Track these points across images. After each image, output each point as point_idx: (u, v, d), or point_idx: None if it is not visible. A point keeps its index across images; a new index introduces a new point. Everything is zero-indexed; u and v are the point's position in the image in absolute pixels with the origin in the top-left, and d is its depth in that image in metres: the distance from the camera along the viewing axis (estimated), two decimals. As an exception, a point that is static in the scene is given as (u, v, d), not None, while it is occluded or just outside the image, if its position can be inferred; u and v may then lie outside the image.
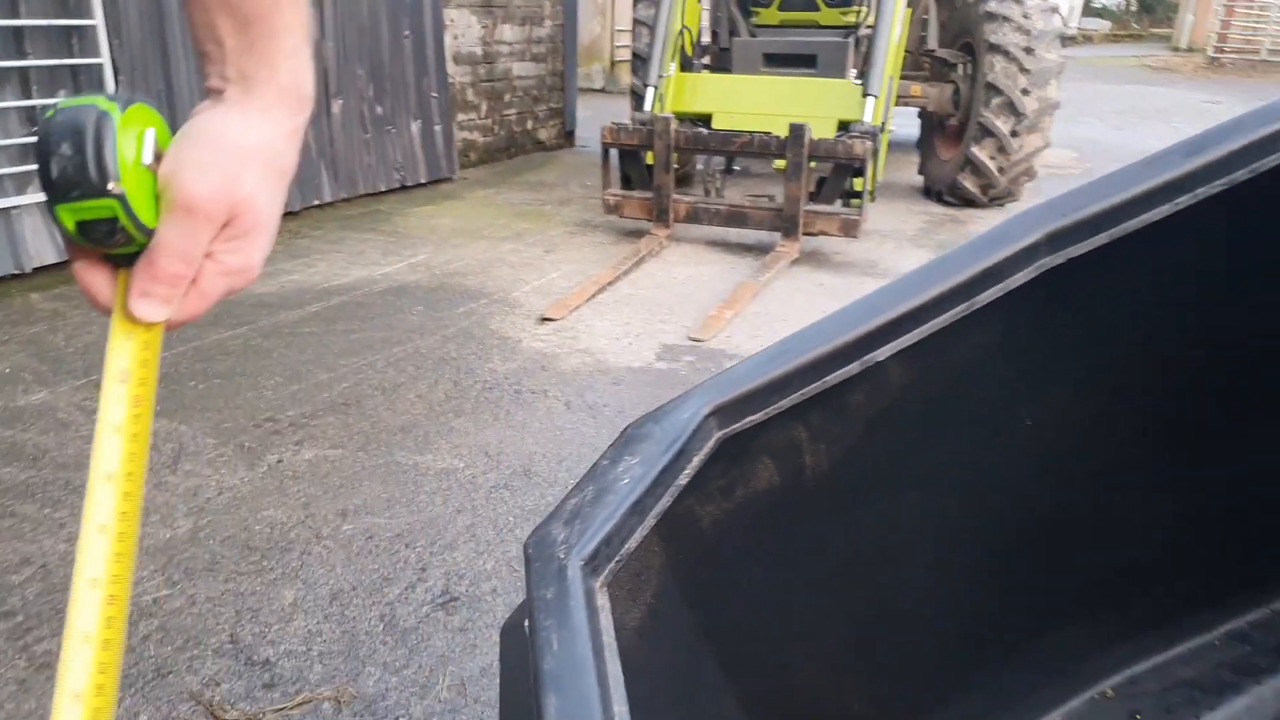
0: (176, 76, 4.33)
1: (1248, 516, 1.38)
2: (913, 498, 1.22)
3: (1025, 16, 4.94)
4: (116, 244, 0.56)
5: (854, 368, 1.04)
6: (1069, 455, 1.27)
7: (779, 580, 1.18)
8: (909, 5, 5.06)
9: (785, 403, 1.04)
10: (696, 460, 1.02)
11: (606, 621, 0.84)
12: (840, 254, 4.58)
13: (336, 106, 5.25)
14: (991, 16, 4.99)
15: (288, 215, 5.07)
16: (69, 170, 0.53)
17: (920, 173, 5.93)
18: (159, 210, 0.56)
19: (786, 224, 4.35)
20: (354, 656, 1.82)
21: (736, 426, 1.05)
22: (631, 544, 0.92)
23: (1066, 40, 21.46)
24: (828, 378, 1.05)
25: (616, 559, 0.89)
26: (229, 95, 0.60)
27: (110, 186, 0.53)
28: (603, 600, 0.87)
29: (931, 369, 1.10)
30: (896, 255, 4.61)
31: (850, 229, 4.28)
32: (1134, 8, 35.85)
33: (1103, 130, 9.32)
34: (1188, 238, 1.08)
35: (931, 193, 5.76)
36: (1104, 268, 1.09)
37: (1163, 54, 20.13)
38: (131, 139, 0.55)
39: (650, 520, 0.94)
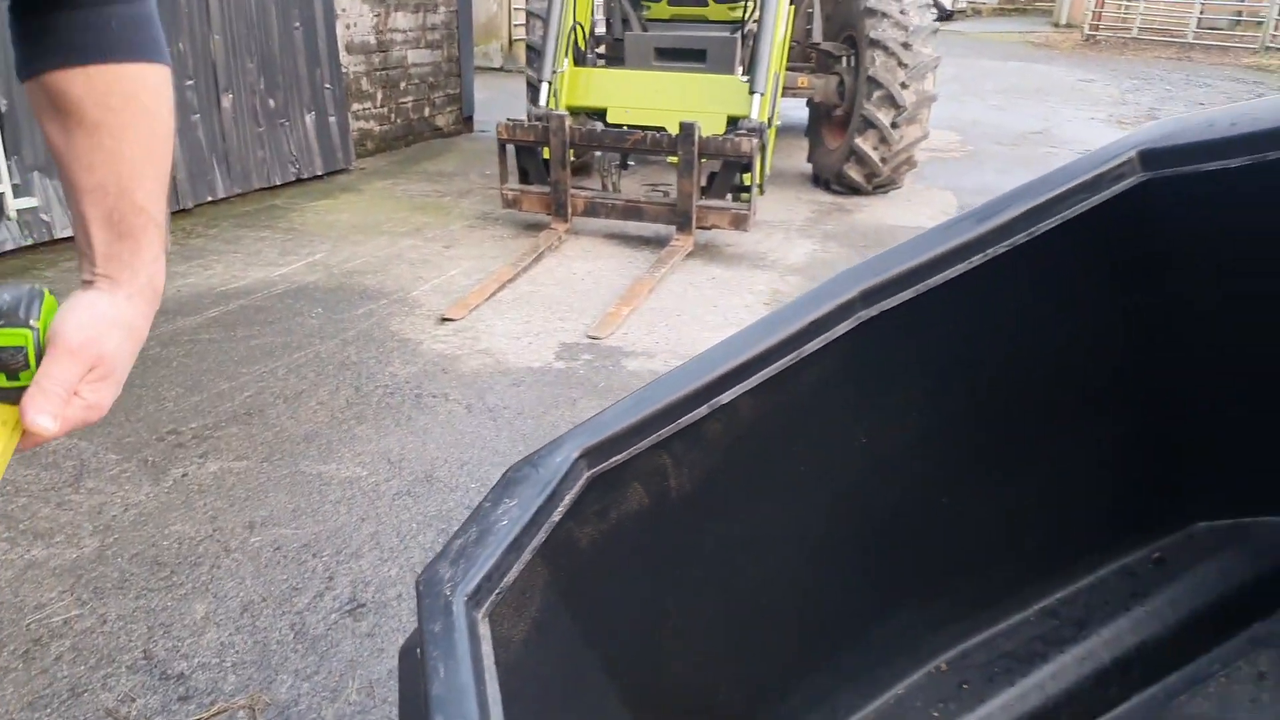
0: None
1: (1051, 510, 1.61)
2: (766, 508, 1.40)
3: (903, 13, 5.19)
4: (17, 365, 0.74)
5: (704, 409, 1.22)
6: (898, 465, 1.47)
7: (652, 587, 1.35)
8: (793, 1, 5.25)
9: (647, 442, 1.21)
10: (569, 498, 1.19)
11: (488, 649, 1.01)
12: (732, 246, 4.78)
13: (227, 101, 5.19)
14: (871, 12, 5.22)
15: (181, 214, 5.02)
16: (4, 308, 0.74)
17: (809, 160, 6.16)
18: (45, 356, 0.76)
19: (680, 219, 4.52)
20: (266, 665, 1.93)
21: (605, 465, 1.22)
22: (511, 576, 1.09)
23: (956, 14, 21.81)
24: (684, 418, 1.23)
25: (497, 591, 1.06)
26: (99, 286, 0.79)
27: (31, 322, 0.74)
28: (484, 630, 1.03)
29: (774, 403, 1.29)
30: (785, 246, 4.83)
31: (740, 223, 4.47)
32: (1019, -18, 37.00)
33: (985, 110, 9.74)
34: (979, 289, 1.28)
35: (820, 180, 6.01)
36: (911, 317, 1.28)
37: (1044, 29, 20.95)
38: (45, 308, 0.77)
39: (527, 555, 1.11)
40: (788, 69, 5.85)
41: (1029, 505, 1.59)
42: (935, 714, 1.64)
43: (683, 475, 1.30)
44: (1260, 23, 16.10)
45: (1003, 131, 8.43)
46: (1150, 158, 1.25)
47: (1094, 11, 18.32)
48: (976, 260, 1.26)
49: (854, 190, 5.70)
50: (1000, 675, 1.66)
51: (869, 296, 1.25)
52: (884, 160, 5.42)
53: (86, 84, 0.76)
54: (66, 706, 1.79)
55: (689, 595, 1.41)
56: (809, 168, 6.23)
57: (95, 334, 0.75)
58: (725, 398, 1.24)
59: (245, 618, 2.06)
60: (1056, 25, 21.50)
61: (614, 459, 1.22)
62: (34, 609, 2.07)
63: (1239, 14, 17.44)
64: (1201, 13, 17.10)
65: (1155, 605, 1.67)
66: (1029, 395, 1.48)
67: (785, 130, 7.03)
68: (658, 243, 4.74)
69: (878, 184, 5.62)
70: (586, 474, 1.21)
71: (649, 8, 5.45)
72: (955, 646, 1.67)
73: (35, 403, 0.74)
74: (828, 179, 5.85)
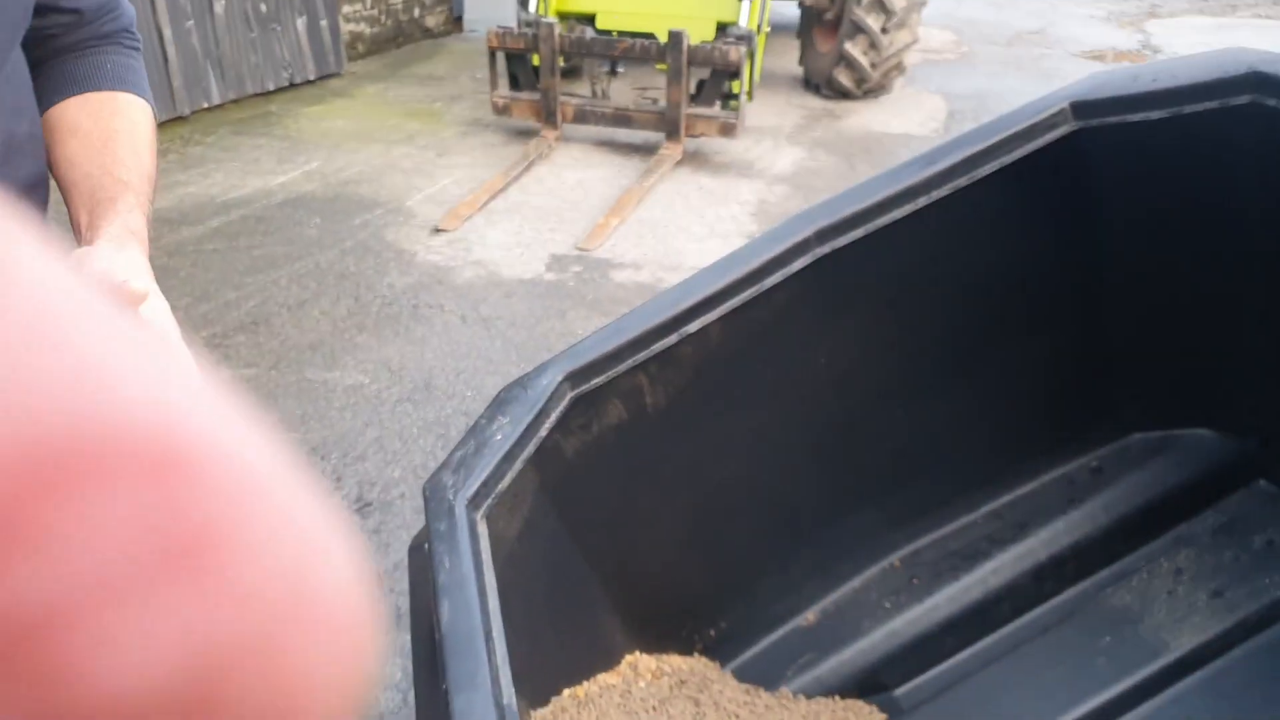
0: None
1: (996, 423, 1.78)
2: (732, 421, 1.58)
3: (896, -84, 5.13)
4: None
5: (675, 337, 1.39)
6: (854, 384, 1.64)
7: (629, 491, 1.54)
8: (786, -97, 5.18)
9: (624, 365, 1.38)
10: (555, 415, 1.37)
11: (485, 545, 1.19)
12: (721, 154, 4.84)
13: (219, 6, 5.15)
14: (864, -85, 5.16)
15: (177, 120, 5.05)
16: None
17: (800, 64, 6.15)
18: None
19: (669, 127, 4.58)
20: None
21: (587, 386, 1.39)
22: (504, 483, 1.27)
23: None
24: (657, 344, 1.40)
25: (493, 496, 1.24)
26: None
27: None
28: (482, 529, 1.21)
29: (739, 330, 1.45)
30: (774, 154, 4.90)
31: (729, 131, 4.54)
32: None
33: (983, 8, 9.59)
34: (925, 228, 1.42)
35: (810, 84, 6.01)
36: (863, 253, 1.43)
37: (1052, -82, 20.29)
38: None
39: (519, 465, 1.28)
40: (781, -31, 5.80)
41: (976, 419, 1.76)
42: (887, 605, 1.85)
43: (657, 394, 1.47)
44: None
45: (999, 30, 8.35)
46: (1081, 109, 1.38)
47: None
48: (921, 202, 1.39)
49: (844, 95, 5.72)
50: (947, 571, 1.86)
51: (824, 235, 1.39)
52: (874, 65, 5.44)
53: (83, 105, 0.92)
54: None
55: (662, 497, 1.60)
56: (800, 71, 6.23)
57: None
58: (694, 326, 1.41)
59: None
60: (1064, -88, 20.80)
61: (594, 381, 1.39)
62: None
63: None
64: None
65: (1090, 509, 1.86)
66: (974, 320, 1.63)
67: (778, 30, 6.98)
68: (647, 150, 4.80)
69: (868, 89, 5.64)
70: (570, 394, 1.38)
71: (640, -92, 5.37)
72: (908, 545, 1.87)
73: None
74: (818, 83, 5.87)
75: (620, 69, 5.01)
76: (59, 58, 0.95)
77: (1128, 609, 1.73)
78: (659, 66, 4.68)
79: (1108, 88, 1.38)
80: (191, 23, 5.06)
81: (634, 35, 4.69)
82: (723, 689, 1.63)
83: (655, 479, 1.56)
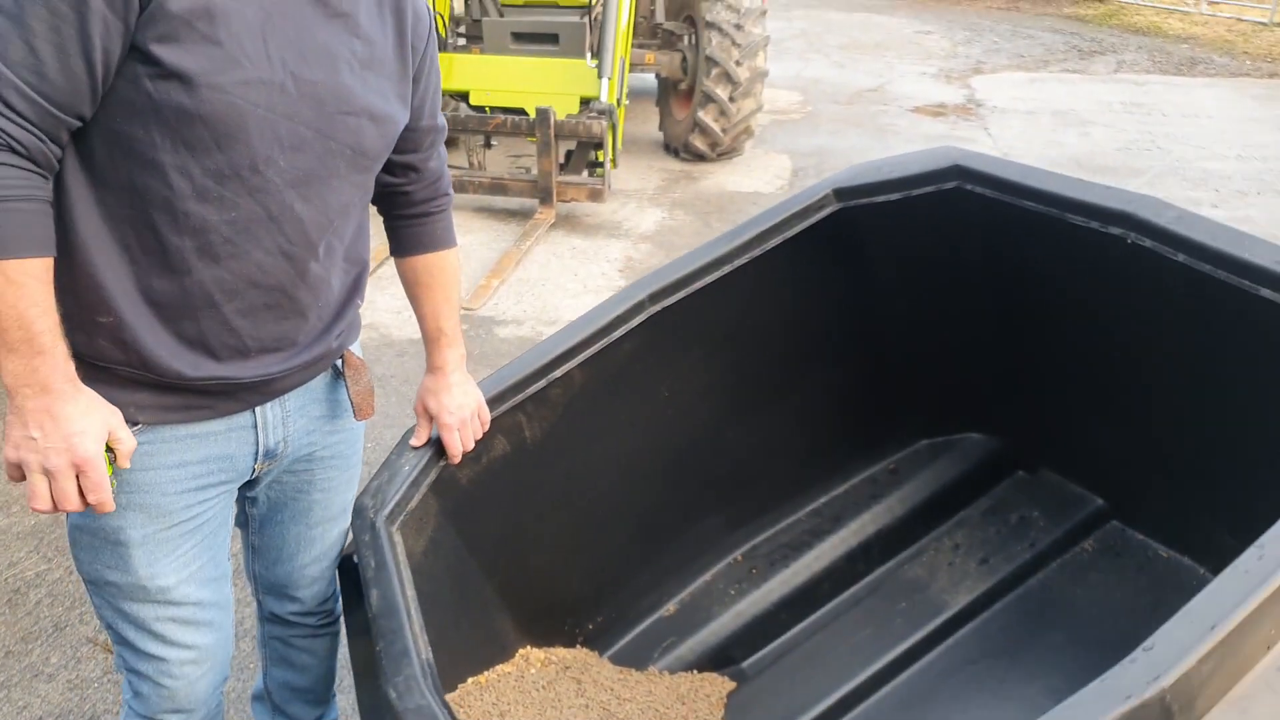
0: None
1: (811, 438, 2.20)
2: (597, 448, 1.95)
3: (735, -3, 5.73)
4: None
5: (544, 381, 1.76)
6: (692, 411, 2.04)
7: (515, 510, 1.89)
8: (637, -15, 5.71)
9: (506, 405, 1.74)
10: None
11: (401, 551, 1.53)
12: (590, 216, 5.28)
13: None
14: (707, -4, 5.74)
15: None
16: None
17: (660, 129, 6.69)
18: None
19: (542, 194, 4.99)
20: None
21: None
22: (412, 504, 1.60)
23: None
24: (531, 388, 1.76)
25: (403, 514, 1.57)
26: (433, 371, 1.58)
27: None
28: (397, 539, 1.55)
29: (596, 373, 1.83)
30: (638, 215, 5.36)
31: (596, 196, 4.98)
32: (870, -73, 38.02)
33: (827, 68, 10.43)
34: (732, 288, 1.84)
35: (669, 148, 6.54)
36: (687, 310, 1.83)
37: (890, -21, 21.87)
38: None
39: (423, 490, 1.63)
40: (637, 45, 6.33)
41: (794, 435, 2.19)
42: (732, 592, 2.24)
43: (534, 428, 1.84)
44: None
45: (841, 90, 9.12)
46: (841, 193, 1.83)
47: (933, -38, 19.27)
48: (726, 269, 1.83)
49: (700, 157, 6.26)
50: (779, 561, 2.27)
51: (655, 297, 1.80)
52: (724, 131, 5.99)
53: (424, 263, 1.50)
54: (53, 638, 2.22)
55: (544, 514, 1.96)
56: (660, 135, 6.76)
57: (452, 405, 1.54)
58: (560, 372, 1.79)
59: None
60: (902, -26, 22.44)
61: None
62: (7, 566, 2.46)
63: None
64: (1029, -36, 18.22)
65: (889, 503, 2.30)
66: (782, 358, 2.07)
67: (642, 96, 7.52)
68: (523, 215, 5.19)
69: (720, 152, 6.20)
70: (459, 431, 1.72)
71: (504, -8, 5.83)
72: (747, 543, 2.27)
73: (451, 452, 1.58)
74: (676, 147, 6.40)
75: (494, 141, 5.40)
76: (410, 220, 1.47)
77: (919, 579, 2.18)
78: (529, 139, 5.09)
79: (859, 176, 1.85)
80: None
81: (505, 110, 5.10)
82: (600, 671, 1.99)
83: (537, 500, 1.92)
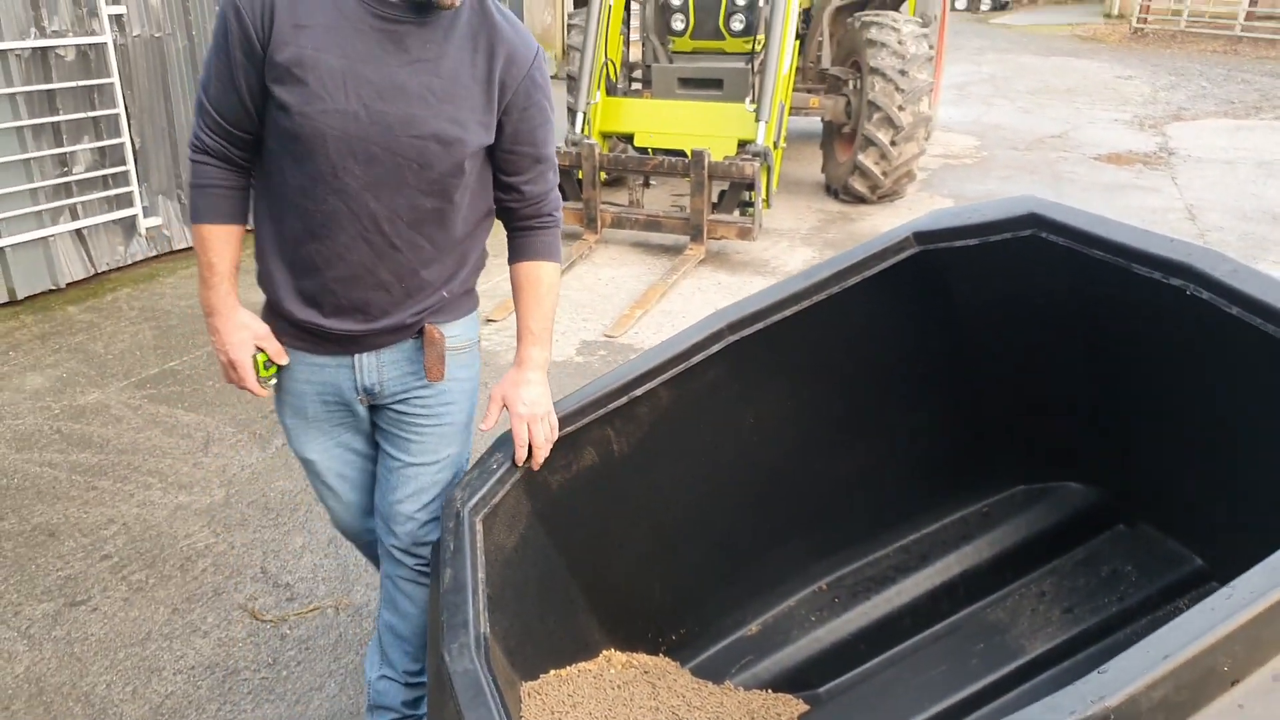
0: (177, 117, 5.11)
1: (904, 474, 2.25)
2: (681, 465, 2.08)
3: (900, 43, 5.77)
4: None
5: (630, 397, 1.89)
6: (778, 438, 2.14)
7: (600, 517, 2.03)
8: (800, 36, 5.86)
9: (594, 417, 1.90)
10: (540, 454, 1.87)
11: (480, 540, 1.70)
12: (740, 254, 5.43)
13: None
14: (872, 43, 5.82)
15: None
16: None
17: (823, 171, 6.77)
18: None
19: (693, 231, 5.20)
20: (346, 580, 2.68)
21: (565, 432, 1.90)
22: (497, 499, 1.78)
23: (1010, 3, 21.55)
24: (617, 401, 1.91)
25: (487, 508, 1.75)
26: (521, 365, 1.78)
27: None
28: (479, 528, 1.72)
29: (683, 394, 1.97)
30: (787, 254, 5.47)
31: (745, 234, 5.14)
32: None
33: (1011, 113, 10.17)
34: (812, 323, 1.94)
35: (830, 190, 6.61)
36: (765, 342, 1.95)
37: (1095, 21, 20.96)
38: None
39: (510, 487, 1.80)
40: (804, 90, 6.45)
41: (883, 471, 2.25)
42: (814, 619, 2.31)
43: (621, 442, 2.00)
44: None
45: (1021, 135, 8.89)
46: (921, 236, 1.91)
47: (1143, 3, 18.36)
48: (805, 303, 1.93)
49: (860, 200, 6.30)
50: (862, 593, 2.32)
51: (734, 327, 1.93)
52: (885, 174, 6.02)
53: (523, 269, 1.77)
54: (211, 601, 2.57)
55: (628, 525, 2.10)
56: (823, 177, 6.84)
57: (525, 397, 1.74)
58: (642, 390, 1.92)
59: (330, 547, 2.81)
60: (1107, 17, 21.47)
61: (570, 428, 1.91)
62: (184, 537, 2.85)
63: (1293, 4, 17.32)
64: (1252, 4, 17.05)
65: (979, 546, 2.32)
66: (870, 392, 2.14)
67: (809, 139, 7.62)
68: (676, 251, 5.41)
69: (881, 194, 6.21)
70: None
71: (674, 41, 6.11)
72: (832, 573, 2.34)
73: (519, 455, 1.74)
74: (837, 189, 6.46)
75: (653, 181, 5.65)
76: (516, 232, 1.78)
77: (1000, 622, 2.18)
78: (685, 179, 5.32)
79: (939, 221, 1.92)
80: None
81: (666, 152, 5.34)
82: (678, 679, 2.10)
83: (622, 510, 2.06)
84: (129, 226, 5.00)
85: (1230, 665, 0.99)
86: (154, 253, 5.17)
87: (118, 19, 4.72)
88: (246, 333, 1.65)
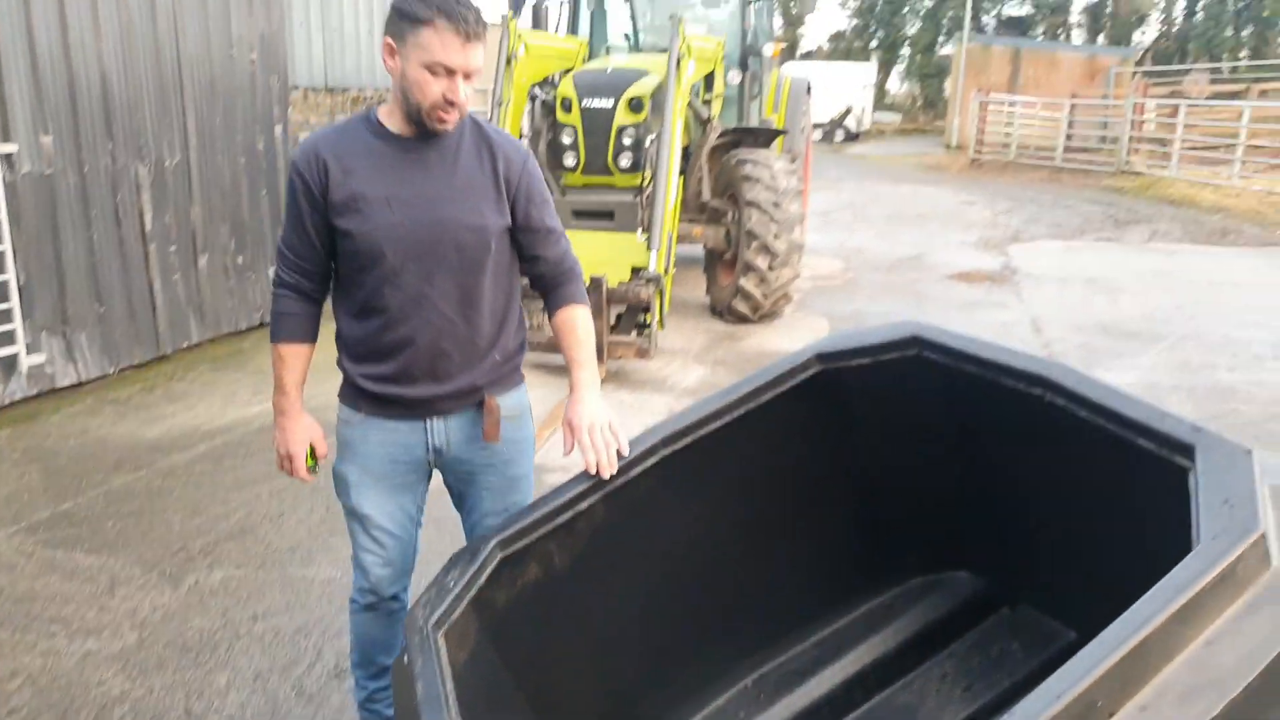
0: (64, 251, 5.09)
1: (816, 575, 2.45)
2: (619, 574, 2.23)
3: (772, 178, 6.32)
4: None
5: (570, 514, 2.06)
6: (704, 546, 2.32)
7: (542, 628, 2.15)
8: (681, 172, 6.34)
9: (538, 534, 2.05)
10: (489, 571, 2.02)
11: (445, 655, 1.81)
12: (638, 373, 5.70)
13: (203, 261, 6.03)
14: (747, 178, 6.35)
15: (161, 360, 5.77)
16: None
17: (707, 293, 7.20)
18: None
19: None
20: (276, 714, 2.67)
21: (511, 550, 2.04)
22: (456, 615, 1.90)
23: (861, 135, 23.44)
24: (560, 518, 2.07)
25: (449, 623, 1.86)
26: (575, 391, 2.11)
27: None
28: (442, 644, 1.83)
29: (619, 507, 2.13)
30: (682, 372, 5.77)
31: (643, 354, 5.43)
32: (919, 103, 40.01)
33: (870, 238, 11.01)
34: (732, 438, 2.16)
35: (715, 311, 7.03)
36: (694, 456, 2.15)
37: (938, 152, 22.96)
38: None
39: (465, 605, 1.92)
40: (687, 220, 6.92)
41: (799, 571, 2.45)
42: (742, 715, 2.46)
43: (564, 555, 2.14)
44: (1117, 140, 17.98)
45: (882, 258, 9.64)
46: (822, 357, 2.18)
47: (976, 137, 20.28)
48: (727, 419, 2.15)
49: (743, 320, 6.72)
50: (785, 688, 2.49)
51: (665, 442, 2.13)
52: (765, 296, 6.47)
53: (560, 315, 2.12)
54: (139, 744, 2.52)
55: (569, 634, 2.22)
56: (708, 299, 7.26)
57: (582, 412, 2.04)
58: (585, 504, 2.09)
59: (258, 683, 2.80)
60: (948, 147, 23.56)
61: (517, 545, 2.05)
62: (96, 685, 2.79)
63: (1103, 137, 19.46)
64: (1069, 138, 19.06)
65: (885, 635, 2.53)
66: (785, 499, 2.36)
67: (695, 262, 8.09)
68: (575, 373, 5.62)
69: (761, 315, 6.66)
70: (499, 556, 2.04)
71: (566, 176, 6.48)
72: (757, 670, 2.50)
73: (589, 461, 1.99)
74: (721, 310, 6.88)
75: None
76: (547, 289, 2.12)
77: (909, 705, 2.38)
78: (582, 304, 5.58)
79: (837, 343, 2.20)
80: (178, 276, 5.89)
81: (562, 279, 5.62)
82: (619, 782, 2.20)
83: (563, 621, 2.19)
84: (9, 364, 4.89)
85: (1104, 701, 1.22)
86: (35, 391, 5.05)
87: (7, 157, 4.74)
88: (305, 433, 2.10)
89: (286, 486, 4.10)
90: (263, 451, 4.48)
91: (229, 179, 6.20)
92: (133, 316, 5.51)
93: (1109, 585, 2.12)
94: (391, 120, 1.93)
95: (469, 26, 1.78)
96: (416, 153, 1.92)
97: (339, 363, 2.08)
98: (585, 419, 2.03)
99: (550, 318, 2.16)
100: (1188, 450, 1.59)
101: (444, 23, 1.76)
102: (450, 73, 1.81)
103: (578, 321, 2.13)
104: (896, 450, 2.32)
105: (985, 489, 2.25)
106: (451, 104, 1.84)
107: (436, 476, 2.23)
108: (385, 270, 1.91)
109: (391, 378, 2.01)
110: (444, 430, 2.10)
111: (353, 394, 2.08)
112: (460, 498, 2.26)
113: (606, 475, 1.98)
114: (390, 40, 1.83)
